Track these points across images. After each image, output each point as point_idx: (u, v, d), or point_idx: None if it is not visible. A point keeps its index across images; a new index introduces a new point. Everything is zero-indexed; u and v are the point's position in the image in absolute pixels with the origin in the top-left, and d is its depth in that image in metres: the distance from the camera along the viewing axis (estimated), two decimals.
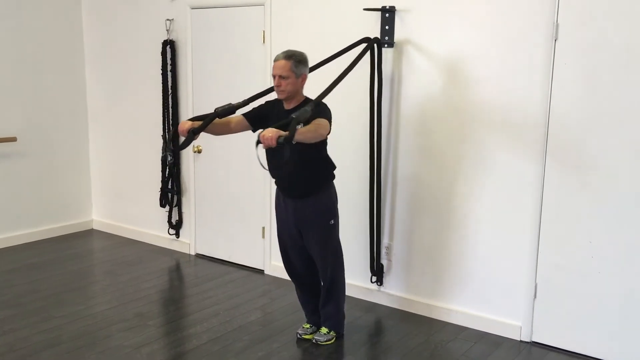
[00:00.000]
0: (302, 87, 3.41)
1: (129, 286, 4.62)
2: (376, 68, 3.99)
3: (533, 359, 3.62)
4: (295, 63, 3.33)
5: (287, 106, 3.40)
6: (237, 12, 4.82)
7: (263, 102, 3.58)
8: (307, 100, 3.44)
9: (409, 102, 4.06)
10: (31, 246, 5.54)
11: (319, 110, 3.26)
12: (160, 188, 5.45)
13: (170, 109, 5.32)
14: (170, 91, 5.30)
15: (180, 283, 4.93)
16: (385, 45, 4.04)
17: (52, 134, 5.77)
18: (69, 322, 3.92)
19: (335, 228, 3.58)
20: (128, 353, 3.52)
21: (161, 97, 5.32)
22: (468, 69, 3.80)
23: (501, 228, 3.80)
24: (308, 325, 3.79)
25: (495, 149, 3.77)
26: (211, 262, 5.22)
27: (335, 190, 3.60)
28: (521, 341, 3.78)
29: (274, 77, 3.36)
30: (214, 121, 3.41)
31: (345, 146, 4.32)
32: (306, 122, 3.12)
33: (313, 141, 3.22)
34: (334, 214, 3.57)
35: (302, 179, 3.47)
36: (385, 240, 4.27)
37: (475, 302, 3.95)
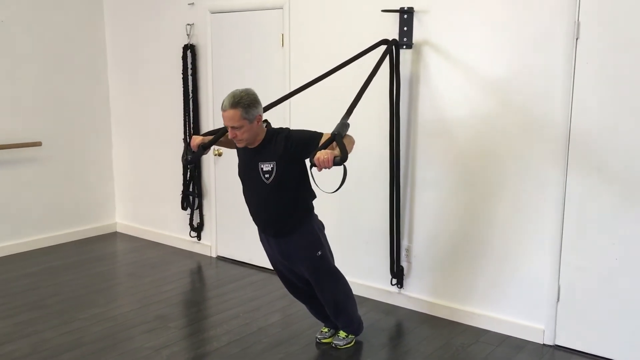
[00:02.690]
0: (260, 127, 3.21)
1: (150, 288, 4.67)
2: (395, 70, 3.97)
3: None
4: (245, 109, 3.08)
5: (252, 145, 3.25)
6: (255, 16, 4.84)
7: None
8: (270, 132, 3.27)
9: (427, 104, 4.03)
10: (56, 249, 5.63)
11: (291, 136, 3.24)
12: (182, 191, 5.49)
13: (191, 113, 5.36)
14: (191, 95, 5.35)
15: (201, 285, 4.96)
16: (404, 47, 4.02)
17: (76, 138, 5.86)
18: (91, 324, 3.96)
19: (324, 257, 3.44)
20: (148, 355, 3.55)
21: (182, 101, 5.37)
22: (487, 70, 3.76)
23: (523, 230, 3.75)
24: (326, 329, 3.78)
25: (516, 150, 3.72)
26: (232, 265, 5.24)
27: (316, 218, 3.47)
28: (544, 345, 3.72)
29: (227, 127, 3.16)
30: (226, 135, 3.42)
31: (365, 149, 4.30)
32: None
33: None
34: (320, 245, 3.41)
35: (280, 219, 3.33)
36: (405, 243, 4.25)
37: (497, 305, 3.90)
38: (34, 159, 5.55)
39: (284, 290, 4.57)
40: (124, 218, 6.25)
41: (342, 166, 2.89)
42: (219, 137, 3.39)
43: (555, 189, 3.59)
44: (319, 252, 3.41)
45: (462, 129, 3.91)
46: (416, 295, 4.24)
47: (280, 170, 3.20)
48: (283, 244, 3.40)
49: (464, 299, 4.03)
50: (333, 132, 3.05)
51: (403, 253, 4.25)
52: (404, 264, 4.26)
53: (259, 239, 5.00)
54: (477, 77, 3.81)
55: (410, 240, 4.23)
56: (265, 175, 3.23)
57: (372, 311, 4.20)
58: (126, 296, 4.53)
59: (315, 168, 2.92)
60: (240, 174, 3.45)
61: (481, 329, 3.92)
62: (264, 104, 3.48)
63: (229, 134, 3.18)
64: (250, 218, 5.06)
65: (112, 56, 6.01)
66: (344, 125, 3.08)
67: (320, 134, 3.20)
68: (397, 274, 4.25)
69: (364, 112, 4.22)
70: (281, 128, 3.34)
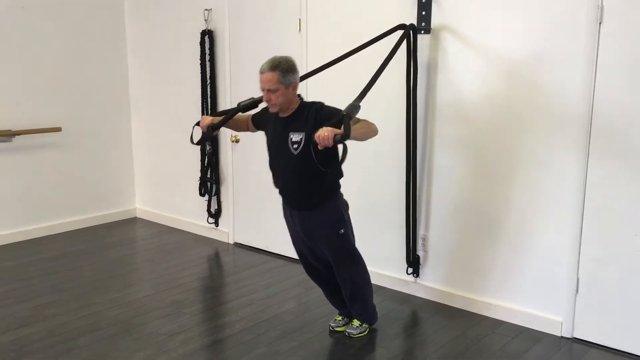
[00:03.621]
0: (294, 95, 3.23)
1: (167, 274, 4.69)
2: (412, 56, 3.89)
3: (574, 355, 3.49)
4: (283, 73, 3.11)
5: (283, 114, 3.27)
6: (273, 1, 4.79)
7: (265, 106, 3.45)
8: (303, 104, 3.28)
9: (445, 91, 3.95)
10: (76, 234, 5.69)
11: (322, 111, 3.20)
12: (200, 177, 5.50)
13: (209, 99, 5.35)
14: (208, 81, 5.33)
15: (217, 272, 4.97)
16: (422, 32, 3.93)
17: (96, 123, 5.90)
18: (107, 309, 4.00)
19: (346, 236, 3.42)
20: (162, 340, 3.57)
21: (200, 86, 5.36)
22: (507, 55, 3.67)
23: (541, 220, 3.66)
24: (340, 317, 3.76)
25: (536, 138, 3.63)
26: (249, 251, 5.24)
27: (342, 199, 3.44)
28: (562, 337, 3.65)
29: (263, 90, 3.18)
30: (238, 116, 3.39)
31: (381, 136, 4.21)
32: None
33: (366, 139, 3.16)
34: (343, 223, 3.41)
35: (306, 192, 3.32)
36: (421, 232, 4.19)
37: (514, 296, 3.83)
38: (55, 145, 5.60)
39: (299, 277, 4.59)
40: (144, 204, 6.29)
41: (342, 145, 2.87)
42: (229, 117, 3.35)
43: (575, 177, 3.49)
44: (342, 231, 3.39)
45: (481, 115, 3.83)
46: (432, 284, 4.19)
47: (309, 142, 3.14)
48: (306, 218, 3.38)
49: (480, 289, 3.97)
50: (342, 112, 3.02)
51: (419, 242, 4.20)
52: (420, 253, 4.21)
53: (275, 227, 5.03)
54: (497, 62, 3.72)
55: (426, 229, 4.18)
56: (294, 146, 3.20)
57: (387, 300, 4.16)
58: (143, 281, 4.56)
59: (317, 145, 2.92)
60: (268, 145, 3.41)
61: (497, 320, 3.86)
62: None
63: (264, 97, 3.19)
64: (267, 204, 5.10)
65: (131, 41, 6.02)
66: (353, 107, 3.05)
67: (341, 111, 3.14)
68: (413, 263, 4.20)
69: (380, 99, 4.18)
70: (314, 102, 3.31)
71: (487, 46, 3.74)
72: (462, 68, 3.85)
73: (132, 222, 6.18)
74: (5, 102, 5.22)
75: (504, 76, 3.69)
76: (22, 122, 5.32)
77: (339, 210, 3.40)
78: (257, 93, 3.40)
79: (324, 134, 2.87)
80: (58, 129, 5.55)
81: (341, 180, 3.44)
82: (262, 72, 3.14)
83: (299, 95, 3.30)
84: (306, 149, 3.15)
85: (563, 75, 3.46)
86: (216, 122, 3.33)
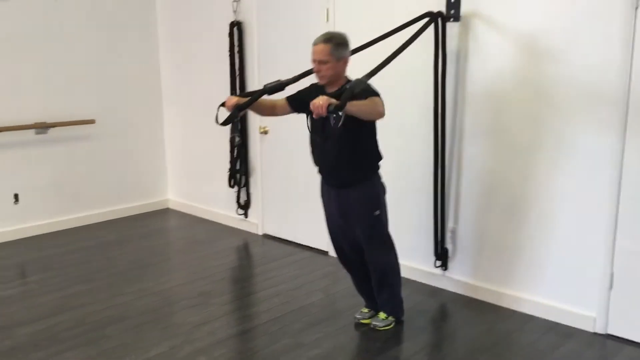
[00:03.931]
0: (343, 70, 3.25)
1: (196, 265, 4.73)
2: (440, 44, 3.81)
3: (607, 352, 3.38)
4: (335, 46, 3.16)
5: (330, 89, 3.26)
6: None
7: (308, 85, 3.48)
8: (349, 81, 3.27)
9: (475, 80, 3.86)
10: (109, 224, 5.79)
11: (371, 90, 3.16)
12: (229, 169, 5.52)
13: (238, 90, 5.35)
14: (237, 72, 5.33)
15: (245, 262, 4.99)
16: (451, 20, 3.84)
17: (129, 115, 5.97)
18: (137, 299, 4.05)
19: (381, 219, 3.42)
20: (189, 330, 3.59)
21: (229, 78, 5.37)
22: (540, 42, 3.55)
23: (575, 212, 3.55)
24: (366, 310, 3.72)
25: (569, 127, 3.51)
26: (277, 243, 5.24)
27: (381, 181, 3.43)
28: (595, 333, 3.54)
29: (314, 62, 3.23)
30: (262, 100, 3.35)
31: (408, 127, 4.19)
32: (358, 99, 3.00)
33: (367, 117, 3.13)
34: (379, 205, 3.39)
35: (345, 168, 3.32)
36: (450, 224, 4.11)
37: (545, 290, 3.73)
38: (88, 137, 5.69)
39: (327, 269, 4.58)
40: (176, 195, 6.35)
41: (336, 115, 2.85)
42: (255, 99, 3.29)
43: (610, 167, 3.37)
44: (377, 212, 3.38)
45: (512, 104, 3.73)
46: (460, 277, 4.11)
47: (347, 117, 3.11)
48: (343, 196, 3.38)
49: (510, 283, 3.88)
50: (348, 86, 3.04)
51: (448, 234, 4.12)
52: (448, 245, 4.14)
53: (304, 218, 5.03)
54: (529, 50, 3.60)
55: (455, 222, 4.10)
56: (333, 121, 3.19)
57: (414, 293, 4.10)
58: (172, 272, 4.61)
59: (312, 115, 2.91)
60: (309, 122, 3.38)
61: (527, 315, 3.76)
62: (307, 82, 3.44)
63: (315, 68, 3.22)
64: (295, 195, 5.09)
65: (162, 34, 6.07)
66: (358, 82, 3.04)
67: (375, 93, 3.15)
68: (442, 255, 4.13)
69: (407, 89, 4.12)
70: (366, 74, 3.26)
71: (519, 32, 3.63)
72: (494, 55, 3.75)
73: (165, 213, 6.25)
74: (40, 95, 5.32)
75: (537, 62, 3.58)
76: (57, 115, 5.42)
77: (377, 191, 3.40)
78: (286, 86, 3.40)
79: (318, 102, 2.87)
80: (92, 121, 5.64)
81: None
82: (315, 44, 3.20)
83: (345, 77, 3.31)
84: (349, 125, 3.13)
85: (599, 60, 3.34)
86: (242, 102, 3.29)
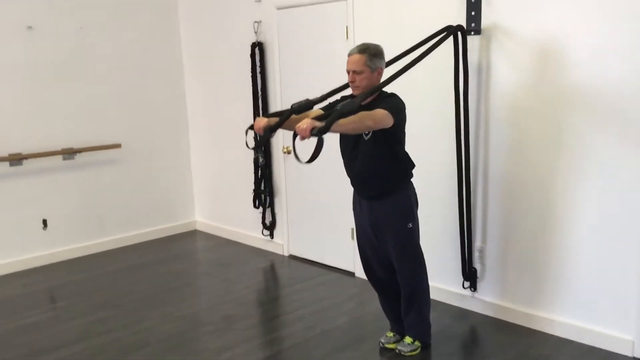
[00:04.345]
0: (378, 81, 3.22)
1: (220, 288, 4.68)
2: (461, 58, 3.70)
3: None
4: (370, 57, 3.15)
5: (363, 101, 3.22)
6: (320, 9, 4.72)
7: (339, 98, 3.42)
8: (382, 94, 3.24)
9: (499, 93, 3.74)
10: (136, 247, 5.80)
11: (384, 101, 3.11)
12: (253, 189, 5.48)
13: (261, 111, 5.33)
14: (260, 93, 5.32)
15: (269, 285, 4.91)
16: (472, 33, 3.74)
17: (155, 139, 6.01)
18: (160, 324, 4.01)
19: (413, 232, 3.34)
20: (209, 357, 3.53)
21: (251, 99, 5.35)
22: (565, 52, 3.41)
23: (608, 228, 3.38)
24: (392, 334, 3.60)
25: (598, 140, 3.35)
26: (303, 264, 5.16)
27: (414, 191, 3.37)
28: (634, 358, 3.34)
29: (348, 72, 3.21)
30: (292, 118, 3.29)
31: (431, 143, 4.08)
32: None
33: (355, 132, 3.10)
34: (412, 217, 3.33)
35: (375, 177, 3.27)
36: (477, 243, 3.97)
37: (580, 312, 3.55)
38: (115, 161, 5.74)
39: (353, 291, 4.48)
40: (203, 216, 6.35)
41: (318, 139, 2.78)
42: (285, 119, 3.22)
43: None
44: (410, 225, 3.31)
45: (537, 116, 3.59)
46: (491, 299, 3.96)
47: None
48: (375, 207, 3.32)
49: (543, 304, 3.71)
50: (337, 106, 3.01)
51: (476, 254, 3.98)
52: (477, 265, 3.99)
53: (330, 238, 4.94)
54: (554, 60, 3.47)
55: (483, 241, 3.95)
56: (365, 132, 3.16)
57: (442, 315, 3.97)
58: (197, 295, 4.57)
59: (298, 137, 2.84)
60: (341, 135, 3.36)
61: (562, 339, 3.58)
62: (329, 99, 3.39)
63: (349, 79, 3.21)
64: (320, 216, 5.01)
65: (187, 57, 6.11)
66: (348, 103, 3.00)
67: (385, 112, 3.05)
68: (470, 276, 3.98)
69: (428, 103, 4.02)
70: (391, 92, 3.27)
71: (542, 43, 3.50)
72: (517, 67, 3.63)
73: (192, 235, 6.25)
74: (66, 121, 5.39)
75: (562, 75, 3.45)
76: (84, 140, 5.49)
77: (410, 202, 3.33)
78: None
79: (302, 125, 2.81)
80: (118, 146, 5.68)
81: None
82: (350, 54, 3.19)
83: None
84: (376, 134, 3.13)
85: (625, 70, 3.19)
86: (272, 123, 3.19)
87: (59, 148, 5.37)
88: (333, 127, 2.84)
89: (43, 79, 5.24)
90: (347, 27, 4.52)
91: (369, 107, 3.14)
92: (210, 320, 4.06)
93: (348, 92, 3.45)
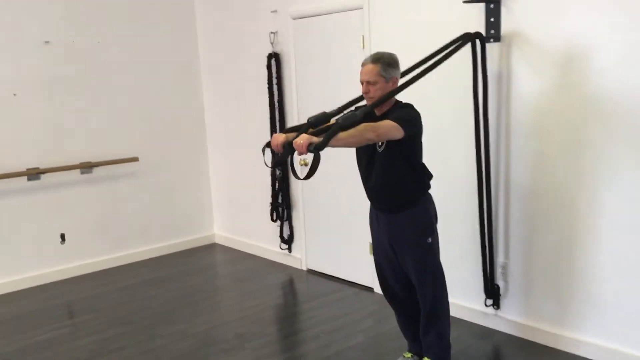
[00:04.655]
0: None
1: (236, 304, 4.59)
2: (480, 66, 3.56)
3: None
4: (384, 66, 3.03)
5: (378, 112, 3.10)
6: (336, 19, 4.63)
7: (352, 109, 3.30)
8: (397, 104, 3.12)
9: (520, 102, 3.58)
10: (155, 261, 5.75)
11: (395, 112, 2.99)
12: (271, 202, 5.39)
13: (277, 123, 5.25)
14: (276, 104, 5.24)
15: (286, 301, 4.80)
16: (491, 40, 3.60)
17: (173, 152, 5.96)
18: (172, 342, 3.93)
19: (433, 247, 3.19)
20: None
21: (268, 110, 5.27)
22: (589, 59, 3.25)
23: (639, 243, 3.18)
24: (409, 355, 3.45)
25: (626, 150, 3.17)
26: (321, 279, 5.04)
27: (433, 204, 3.22)
28: None
29: (362, 83, 3.10)
30: (309, 132, 3.17)
31: (450, 154, 3.94)
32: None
33: (357, 146, 3.00)
34: (432, 232, 3.18)
35: (392, 190, 3.14)
36: (500, 259, 3.81)
37: (609, 332, 3.35)
38: (132, 174, 5.71)
39: (371, 308, 4.34)
40: (222, 229, 6.28)
41: (314, 155, 2.67)
42: (303, 132, 3.10)
43: None
44: (429, 239, 3.16)
45: (563, 128, 3.42)
46: (515, 318, 3.78)
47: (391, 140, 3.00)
48: (393, 221, 3.18)
49: (570, 324, 3.52)
50: (337, 119, 2.89)
51: (499, 270, 3.81)
52: (500, 282, 3.82)
53: (348, 253, 4.81)
54: (578, 68, 3.30)
55: (506, 256, 3.78)
56: (379, 143, 3.06)
57: (464, 334, 3.80)
58: (211, 312, 4.47)
59: (296, 152, 2.73)
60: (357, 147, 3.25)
61: None
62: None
63: (363, 89, 3.09)
64: (338, 229, 4.89)
65: (205, 69, 6.07)
66: (353, 115, 2.87)
67: (392, 123, 2.91)
68: (492, 293, 3.82)
69: (446, 114, 3.89)
70: (407, 103, 3.15)
71: (566, 50, 3.34)
72: (539, 75, 3.47)
73: (211, 248, 6.18)
74: (84, 135, 5.39)
75: (586, 82, 3.28)
76: (101, 154, 5.47)
77: (429, 216, 3.18)
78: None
79: (299, 141, 2.70)
80: (135, 159, 5.65)
81: None
82: (363, 64, 3.09)
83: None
84: (390, 146, 3.02)
85: None
86: (291, 139, 2.99)
87: (76, 162, 5.36)
88: (332, 141, 2.73)
89: (60, 93, 5.24)
90: (363, 37, 4.41)
91: (383, 118, 3.02)
92: (224, 338, 3.96)
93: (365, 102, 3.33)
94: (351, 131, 2.82)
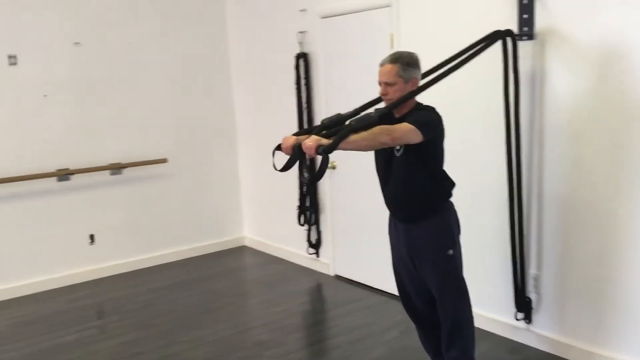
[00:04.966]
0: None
1: (259, 309, 4.51)
2: (511, 66, 3.35)
3: None
4: (403, 67, 2.85)
5: (397, 114, 2.94)
6: (364, 17, 4.48)
7: (372, 110, 3.14)
8: (417, 106, 2.95)
9: (555, 104, 3.35)
10: (183, 264, 5.71)
11: (414, 114, 2.82)
12: (298, 206, 5.28)
13: (306, 124, 5.13)
14: (305, 105, 5.12)
15: (310, 308, 4.67)
16: (525, 38, 3.38)
17: (203, 154, 5.91)
18: (190, 349, 3.86)
19: (454, 259, 2.99)
20: None
21: (296, 112, 5.16)
22: (631, 57, 3.01)
23: None
24: None
25: None
26: (349, 285, 4.89)
27: (455, 213, 3.03)
28: None
29: (380, 84, 2.93)
30: (322, 134, 3.03)
31: (479, 160, 3.75)
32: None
33: (370, 149, 2.83)
34: (453, 243, 2.98)
35: (410, 198, 2.97)
36: (532, 270, 3.58)
37: None
38: (162, 176, 5.69)
39: (397, 318, 4.18)
40: (252, 232, 6.20)
41: (322, 157, 2.53)
42: (316, 135, 2.98)
43: None
44: (451, 251, 2.96)
45: (601, 132, 3.18)
46: (547, 333, 3.55)
47: (409, 145, 2.83)
48: (411, 232, 3.01)
49: (607, 341, 3.28)
50: (351, 121, 2.74)
51: (531, 282, 3.59)
52: (531, 295, 3.60)
53: (376, 259, 4.65)
54: (618, 67, 3.07)
55: (539, 268, 3.56)
56: (397, 147, 2.90)
57: (493, 349, 3.60)
58: (233, 317, 4.38)
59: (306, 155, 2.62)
60: (376, 151, 3.11)
61: None
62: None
63: (380, 91, 2.94)
64: (365, 235, 4.74)
65: (235, 70, 6.00)
66: (367, 117, 2.73)
67: (410, 127, 2.73)
68: (524, 306, 3.60)
69: (475, 117, 3.70)
70: (428, 105, 2.97)
71: (605, 48, 3.11)
72: (576, 76, 3.25)
73: (241, 251, 6.11)
74: (114, 136, 5.39)
75: (627, 83, 3.04)
76: (131, 155, 5.46)
77: (450, 226, 2.99)
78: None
79: (308, 143, 2.56)
80: (164, 160, 5.63)
81: None
82: (381, 64, 2.92)
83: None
84: (408, 151, 2.85)
85: None
86: (302, 141, 2.84)
87: (106, 163, 5.36)
88: (343, 144, 2.59)
89: (90, 94, 5.25)
90: (391, 35, 4.25)
91: (402, 120, 2.86)
92: (243, 346, 3.87)
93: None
94: (364, 134, 2.67)
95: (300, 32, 5.04)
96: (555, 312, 3.52)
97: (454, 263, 2.99)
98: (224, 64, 6.00)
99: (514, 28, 3.38)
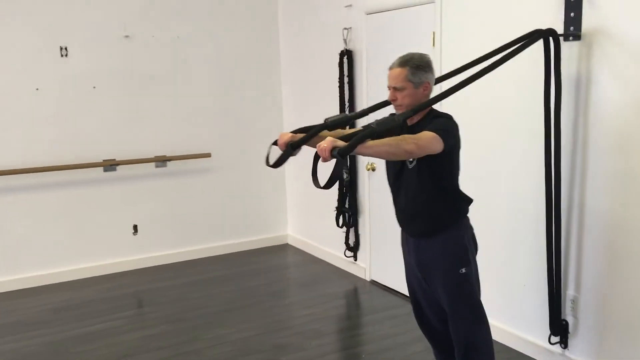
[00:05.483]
0: (425, 97, 2.70)
1: (287, 311, 4.42)
2: (553, 69, 3.08)
3: None
4: (413, 70, 2.64)
5: (410, 121, 2.74)
6: (408, 14, 4.28)
7: (387, 115, 2.96)
8: (432, 113, 2.74)
9: (602, 111, 3.05)
10: (224, 258, 5.70)
11: (433, 122, 2.61)
12: (336, 207, 5.14)
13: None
14: (347, 103, 4.98)
15: (338, 313, 4.51)
16: (571, 38, 3.10)
17: (248, 149, 5.87)
18: (209, 347, 3.82)
19: (468, 279, 2.76)
20: None
21: (338, 110, 5.02)
22: None
23: None
24: None
25: None
26: (382, 292, 4.72)
27: (470, 230, 2.80)
28: None
29: (389, 89, 2.73)
30: (323, 134, 2.87)
31: (515, 172, 3.48)
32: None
33: (390, 158, 2.65)
34: (467, 261, 2.75)
35: (420, 214, 2.77)
36: (570, 292, 3.29)
37: None
38: (206, 170, 5.70)
39: None
40: (294, 231, 6.13)
41: (337, 160, 2.33)
42: (314, 133, 2.79)
43: None
44: (463, 270, 2.74)
45: None
46: (584, 359, 3.26)
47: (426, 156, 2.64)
48: (423, 247, 2.82)
49: None
50: (371, 123, 2.55)
51: (568, 304, 3.30)
52: (568, 318, 3.31)
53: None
54: None
55: (577, 290, 3.27)
56: (409, 159, 2.71)
57: None
58: (259, 318, 4.31)
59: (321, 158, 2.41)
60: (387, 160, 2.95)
61: None
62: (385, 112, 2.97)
63: (389, 96, 2.77)
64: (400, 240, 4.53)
65: (285, 66, 5.93)
66: (390, 120, 2.55)
67: (432, 135, 2.52)
68: (559, 329, 3.31)
69: (511, 124, 3.44)
70: (444, 113, 2.78)
71: None
72: (625, 80, 2.94)
73: (283, 249, 6.04)
74: (160, 129, 5.44)
75: None
76: (176, 148, 5.51)
77: (463, 243, 2.77)
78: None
79: (323, 145, 2.35)
80: (208, 155, 5.64)
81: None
82: (390, 68, 2.74)
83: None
84: (421, 162, 2.66)
85: None
86: (296, 139, 2.78)
87: (151, 155, 5.43)
88: (360, 148, 2.39)
89: (138, 87, 5.32)
90: (434, 33, 4.03)
91: (417, 127, 2.66)
92: (260, 348, 3.79)
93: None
94: (386, 140, 2.47)
95: (345, 29, 4.89)
96: (593, 339, 3.22)
97: (468, 283, 2.76)
98: (273, 59, 5.93)
99: (561, 27, 3.10)
